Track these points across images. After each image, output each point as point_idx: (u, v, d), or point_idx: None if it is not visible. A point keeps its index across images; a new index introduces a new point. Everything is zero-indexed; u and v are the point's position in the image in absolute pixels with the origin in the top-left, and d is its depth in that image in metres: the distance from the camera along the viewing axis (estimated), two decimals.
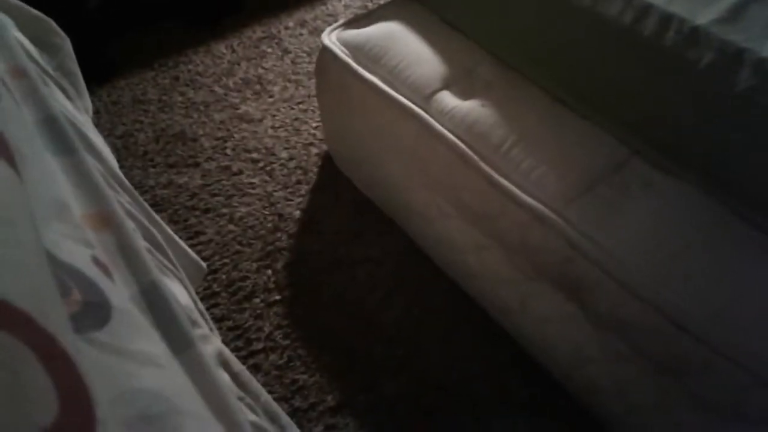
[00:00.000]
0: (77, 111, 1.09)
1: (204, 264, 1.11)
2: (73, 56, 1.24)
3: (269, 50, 2.02)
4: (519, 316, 1.17)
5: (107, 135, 1.66)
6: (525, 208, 1.06)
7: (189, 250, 1.05)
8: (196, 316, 0.70)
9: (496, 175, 1.10)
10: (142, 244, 0.66)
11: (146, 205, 0.96)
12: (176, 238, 1.01)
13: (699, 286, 0.91)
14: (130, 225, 0.66)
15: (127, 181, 0.94)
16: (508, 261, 1.13)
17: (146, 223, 0.86)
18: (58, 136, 0.70)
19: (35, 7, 1.17)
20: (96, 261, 0.52)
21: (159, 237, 0.86)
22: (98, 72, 1.88)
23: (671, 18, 1.00)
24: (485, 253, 1.17)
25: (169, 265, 0.80)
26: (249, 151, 1.66)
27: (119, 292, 0.51)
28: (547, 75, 1.18)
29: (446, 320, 1.30)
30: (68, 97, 1.12)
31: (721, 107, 0.93)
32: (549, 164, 1.08)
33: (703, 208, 0.98)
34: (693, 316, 0.89)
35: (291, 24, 2.13)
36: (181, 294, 0.74)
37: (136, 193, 0.95)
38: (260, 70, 1.94)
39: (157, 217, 0.97)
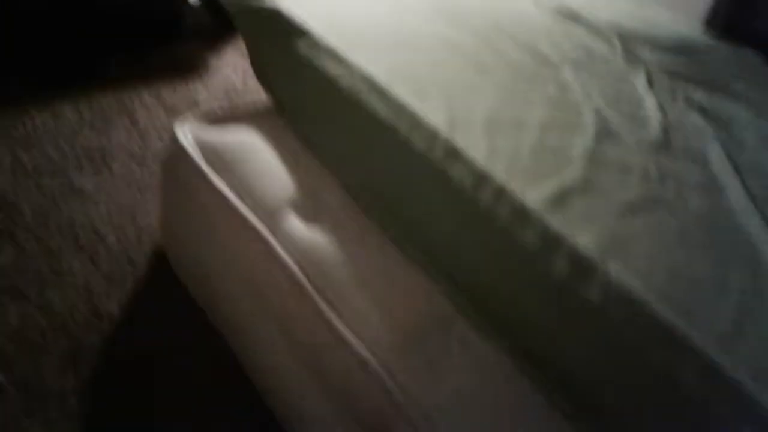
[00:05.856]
0: None
1: None
2: None
3: (119, 122, 1.94)
4: None
5: None
6: (350, 351, 1.06)
7: None
8: None
9: (328, 312, 1.11)
10: None
11: None
12: None
13: None
14: None
15: None
16: (327, 401, 1.12)
17: None
18: None
19: None
20: None
21: None
22: None
23: (504, 192, 1.07)
24: (306, 389, 1.15)
25: None
26: (75, 231, 1.54)
27: None
28: (384, 217, 1.22)
29: None
30: None
31: (537, 289, 1.01)
32: (379, 309, 1.10)
33: (514, 381, 1.03)
34: None
35: (148, 99, 2.07)
36: None
37: None
38: (104, 141, 1.85)
39: None
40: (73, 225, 1.55)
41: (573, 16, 1.76)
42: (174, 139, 1.37)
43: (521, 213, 1.05)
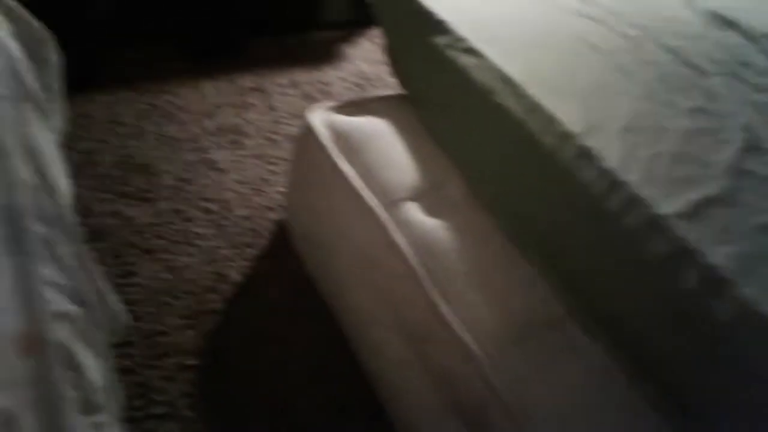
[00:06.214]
0: (44, 132, 1.06)
1: (126, 318, 1.06)
2: (58, 72, 1.21)
3: (255, 102, 2.02)
4: None
5: (69, 148, 1.62)
6: (458, 341, 1.06)
7: (117, 304, 1.00)
8: (99, 397, 0.67)
9: (439, 301, 1.11)
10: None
11: (85, 250, 0.92)
12: (106, 290, 0.97)
13: None
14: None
15: (73, 220, 0.91)
16: (429, 387, 1.12)
17: (75, 275, 0.83)
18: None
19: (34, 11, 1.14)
20: None
21: (85, 292, 0.83)
22: (79, 79, 1.85)
23: (636, 200, 1.03)
24: (409, 372, 1.16)
25: (87, 328, 0.77)
26: (207, 200, 1.63)
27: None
28: (505, 214, 1.21)
29: (359, 422, 1.27)
30: (40, 114, 1.09)
31: (662, 301, 0.96)
32: (491, 305, 1.09)
33: (620, 388, 0.99)
34: None
35: (283, 82, 2.15)
36: (93, 366, 0.71)
37: (79, 238, 0.91)
38: (240, 120, 1.94)
39: (93, 265, 0.93)
40: (205, 195, 1.65)
41: (730, 23, 1.65)
42: (307, 122, 1.42)
43: (653, 222, 1.00)
